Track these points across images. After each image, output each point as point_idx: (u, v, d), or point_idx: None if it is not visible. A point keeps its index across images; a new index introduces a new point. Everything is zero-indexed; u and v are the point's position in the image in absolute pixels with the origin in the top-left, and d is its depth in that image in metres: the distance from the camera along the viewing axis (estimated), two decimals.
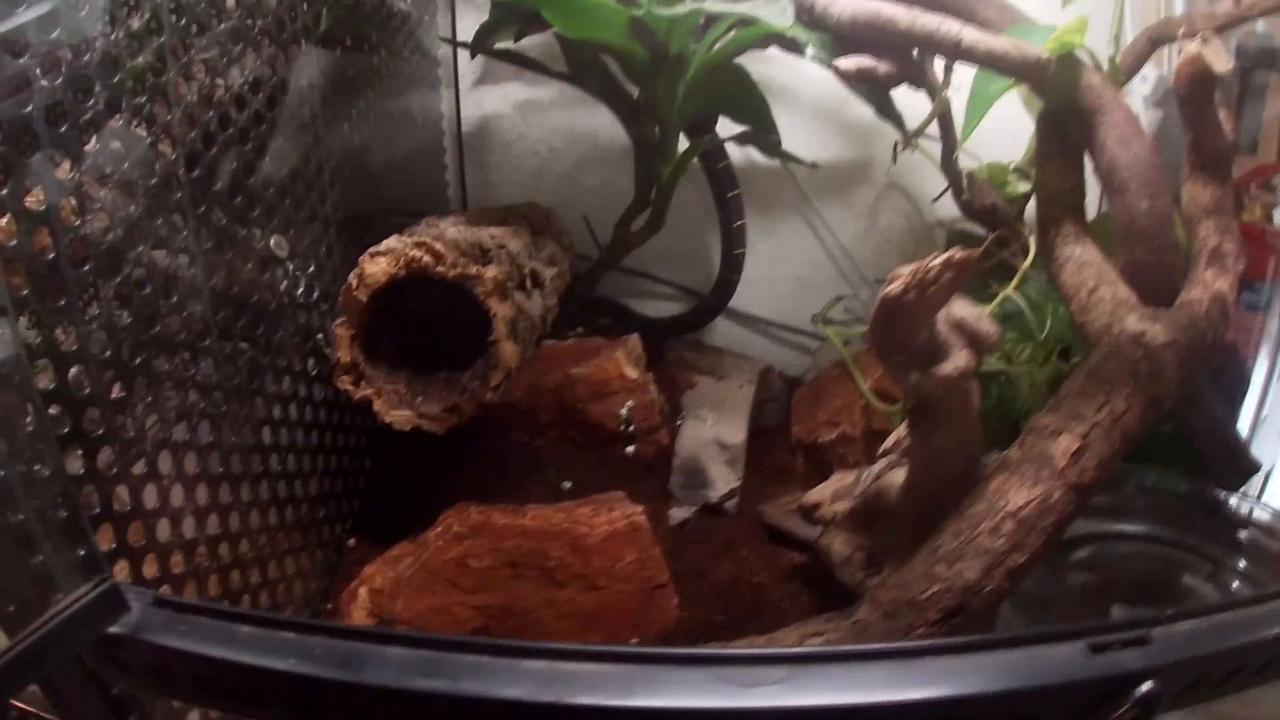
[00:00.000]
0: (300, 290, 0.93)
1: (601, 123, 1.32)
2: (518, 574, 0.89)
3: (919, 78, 1.09)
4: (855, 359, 1.27)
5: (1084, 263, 0.97)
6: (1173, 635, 0.52)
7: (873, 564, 0.89)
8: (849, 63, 1.03)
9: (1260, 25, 1.49)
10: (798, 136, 1.41)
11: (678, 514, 1.04)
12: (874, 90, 1.17)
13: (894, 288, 0.64)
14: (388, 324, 0.94)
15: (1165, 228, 0.95)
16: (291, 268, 0.91)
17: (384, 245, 0.89)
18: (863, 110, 1.23)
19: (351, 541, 1.02)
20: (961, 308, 0.72)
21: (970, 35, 0.97)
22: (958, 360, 0.70)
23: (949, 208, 1.36)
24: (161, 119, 0.71)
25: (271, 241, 0.87)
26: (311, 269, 0.96)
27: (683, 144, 1.28)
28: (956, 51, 0.99)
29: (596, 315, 1.38)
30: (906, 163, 1.42)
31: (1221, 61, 0.90)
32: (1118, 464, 0.79)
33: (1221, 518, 1.07)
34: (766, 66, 1.34)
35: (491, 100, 1.49)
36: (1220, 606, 0.55)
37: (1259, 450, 1.60)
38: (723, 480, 1.07)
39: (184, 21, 0.74)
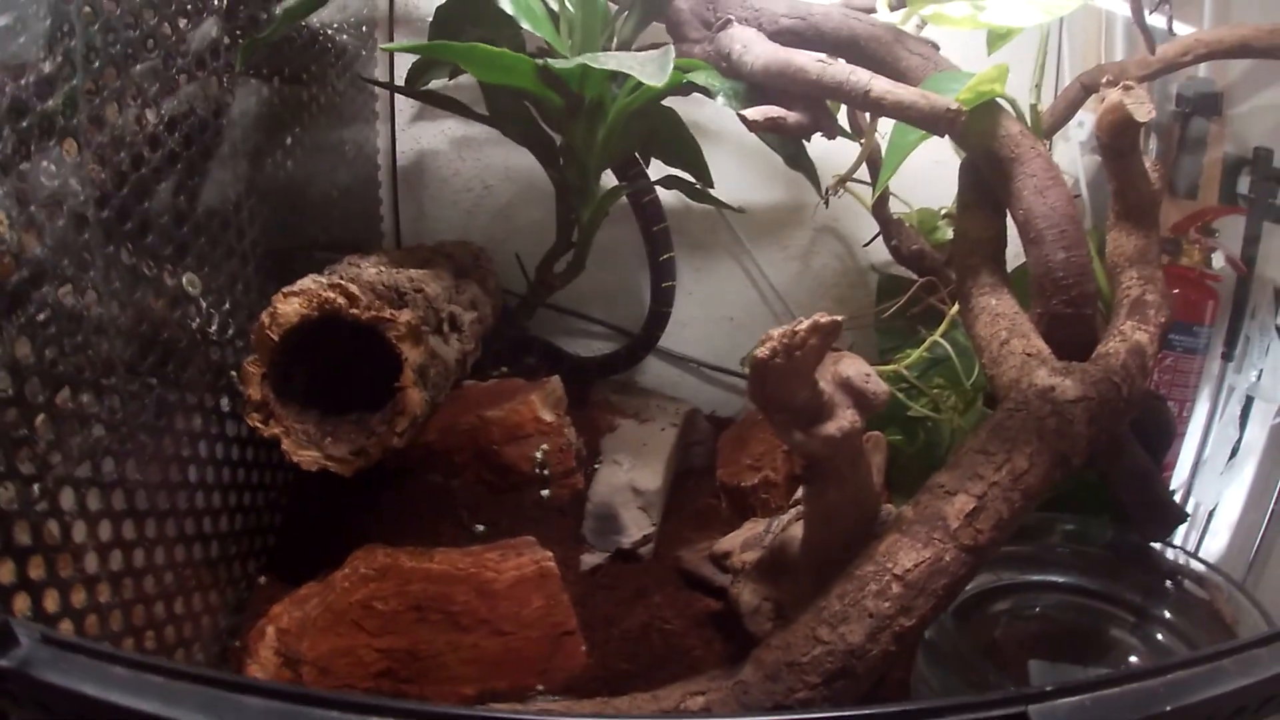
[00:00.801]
0: (214, 327, 0.93)
1: (534, 162, 1.34)
2: (423, 617, 0.89)
3: (830, 128, 1.09)
4: None
5: (998, 314, 0.96)
6: (1052, 714, 0.49)
7: (780, 614, 0.89)
8: (756, 113, 1.03)
9: (1202, 70, 1.52)
10: (732, 178, 1.43)
11: (589, 559, 1.04)
12: (785, 140, 1.19)
13: (762, 351, 0.64)
14: (302, 362, 0.94)
15: (1082, 279, 0.94)
16: (205, 305, 0.91)
17: (298, 285, 0.90)
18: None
19: (263, 579, 1.02)
20: (849, 366, 0.73)
21: (880, 86, 0.97)
22: (841, 420, 0.70)
23: (882, 251, 1.38)
24: (71, 159, 0.72)
25: (184, 279, 0.88)
26: (227, 306, 0.96)
27: (613, 182, 1.30)
28: (865, 102, 0.99)
29: (524, 355, 1.38)
30: (841, 206, 1.46)
31: (1143, 110, 0.91)
32: (1017, 524, 0.77)
33: (1148, 568, 1.07)
34: (699, 109, 1.36)
35: (428, 136, 1.51)
36: (1105, 681, 0.52)
37: (1200, 491, 1.64)
38: (636, 526, 1.08)
39: (98, 64, 0.75)
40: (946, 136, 1.00)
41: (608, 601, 1.00)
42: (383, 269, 0.98)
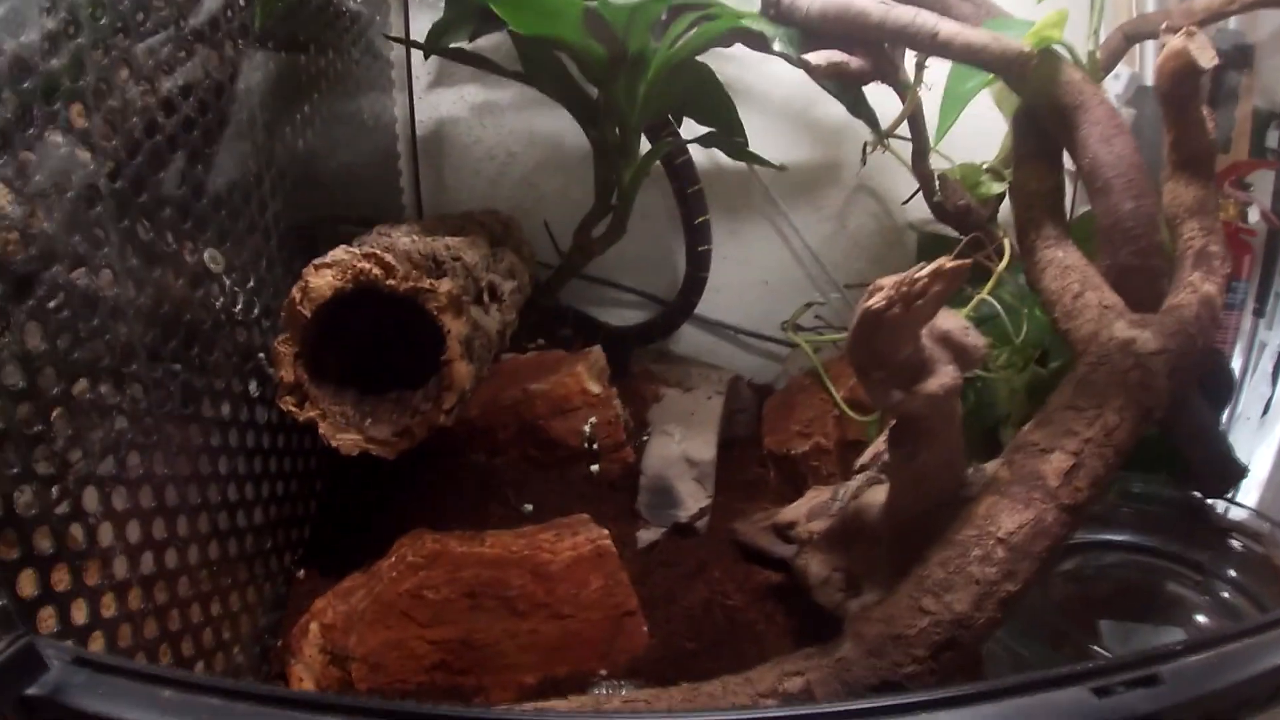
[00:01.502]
0: (239, 307, 0.88)
1: (562, 125, 1.29)
2: (477, 605, 0.85)
3: (893, 74, 1.07)
4: (827, 367, 1.24)
5: (1067, 266, 0.94)
6: (1182, 672, 0.49)
7: (852, 585, 0.86)
8: (820, 57, 1.01)
9: (1232, 23, 1.49)
10: (765, 138, 1.38)
11: (646, 536, 1.01)
12: (845, 87, 1.14)
13: (876, 301, 0.60)
14: (335, 340, 0.89)
15: (1151, 229, 0.93)
16: (229, 283, 0.86)
17: (330, 257, 0.85)
18: (831, 111, 1.21)
19: (301, 573, 0.98)
20: (946, 319, 0.69)
21: (948, 28, 0.96)
22: (944, 377, 0.67)
23: (920, 209, 1.34)
24: (79, 126, 0.66)
25: (205, 255, 0.83)
26: (251, 284, 0.91)
27: (645, 147, 1.25)
28: (933, 45, 0.97)
29: (559, 326, 1.35)
30: (876, 164, 1.40)
31: (1207, 56, 0.88)
32: (1111, 481, 0.76)
33: (1209, 524, 1.06)
34: (733, 66, 1.32)
35: (447, 103, 1.46)
36: (1224, 636, 0.53)
37: (1235, 447, 1.63)
38: (692, 499, 1.04)
39: (105, 20, 0.70)
40: (987, 89, 1.00)
41: (667, 578, 0.96)
42: (416, 238, 0.92)
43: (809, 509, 0.94)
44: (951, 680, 0.66)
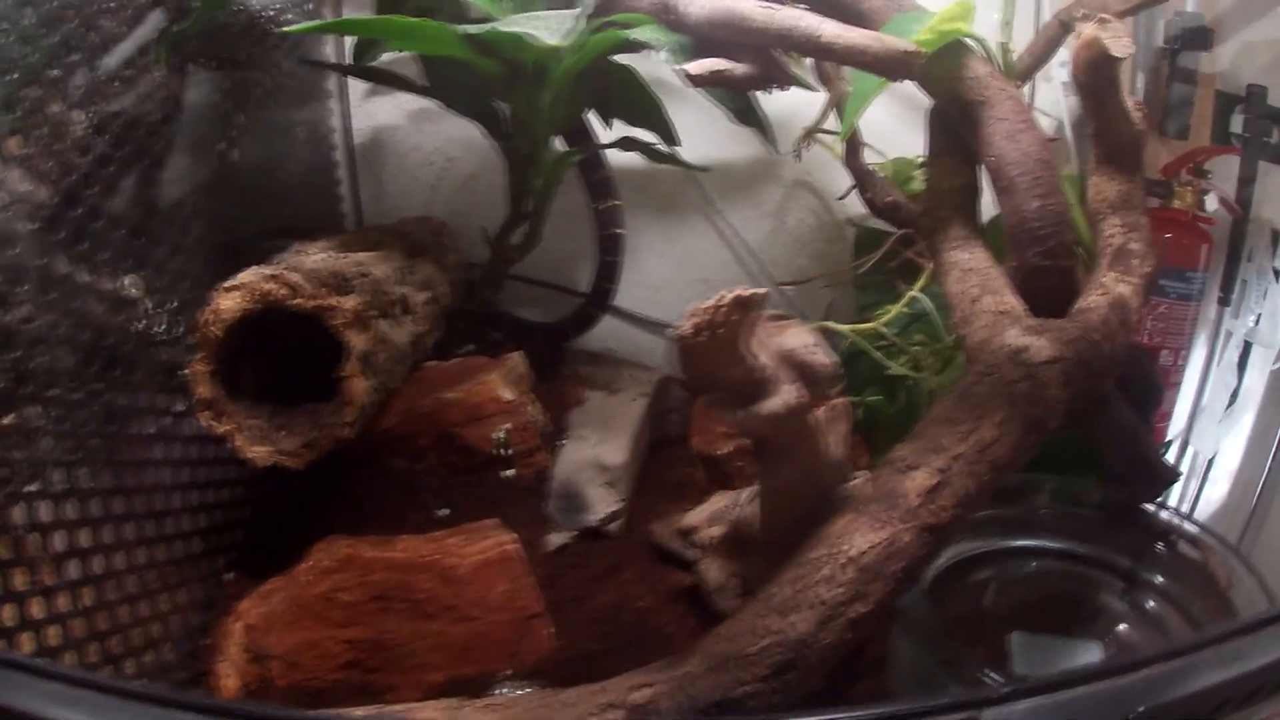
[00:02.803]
0: (162, 327, 0.94)
1: None
2: (387, 607, 0.91)
3: (782, 78, 1.06)
4: None
5: (969, 269, 0.93)
6: (1006, 718, 0.47)
7: (748, 591, 0.88)
8: (697, 66, 1.00)
9: (1190, 4, 1.48)
10: (701, 135, 1.42)
11: (555, 539, 1.05)
12: (734, 95, 1.17)
13: (684, 328, 0.63)
14: (254, 354, 0.95)
15: (1059, 228, 0.90)
16: (150, 306, 0.92)
17: (239, 279, 0.91)
18: (770, 106, 1.23)
19: (230, 575, 1.04)
20: (792, 337, 0.71)
21: (829, 30, 0.94)
22: (785, 396, 0.69)
23: (860, 204, 1.37)
24: None
25: (126, 281, 0.89)
26: (174, 305, 0.97)
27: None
28: (817, 48, 0.96)
29: (490, 331, 1.39)
30: (815, 160, 1.44)
31: (1121, 45, 0.86)
32: (985, 499, 0.74)
33: (1139, 529, 1.03)
34: (661, 64, 1.35)
35: (384, 111, 1.50)
36: (1068, 680, 0.50)
37: (1199, 439, 1.64)
38: (602, 503, 1.08)
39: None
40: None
41: (576, 581, 1.01)
42: (330, 254, 0.99)
43: (710, 514, 0.99)
44: (794, 699, 0.65)
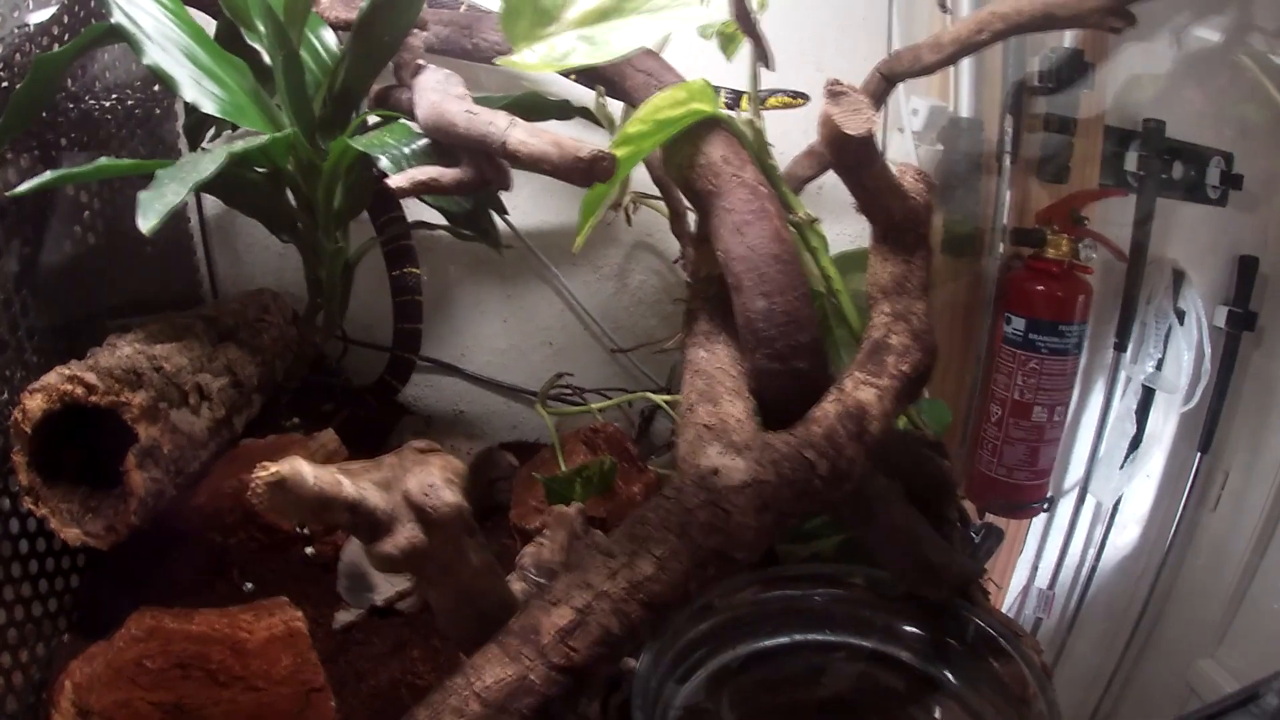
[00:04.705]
0: None
1: None
2: (187, 674, 1.00)
3: (502, 179, 1.04)
4: (564, 442, 1.31)
5: (698, 370, 0.89)
6: None
7: None
8: (402, 179, 0.99)
9: (1066, 39, 1.46)
10: (536, 200, 1.50)
11: (343, 617, 1.11)
12: (462, 199, 1.18)
13: (252, 491, 0.68)
14: (74, 439, 1.05)
15: (788, 329, 0.85)
16: None
17: (41, 381, 1.01)
18: None
19: (66, 637, 1.14)
20: (414, 478, 0.74)
21: (516, 137, 0.92)
22: (398, 538, 0.72)
23: None
24: None
25: None
26: (4, 396, 1.07)
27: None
28: (505, 153, 0.93)
29: (322, 402, 1.45)
30: (655, 221, 1.47)
31: (858, 122, 0.79)
32: (639, 634, 0.73)
33: (946, 626, 1.00)
34: None
35: None
36: None
37: (1098, 488, 1.63)
38: (388, 582, 1.12)
39: None
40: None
41: (361, 658, 1.08)
42: (136, 346, 1.08)
43: None
44: None
